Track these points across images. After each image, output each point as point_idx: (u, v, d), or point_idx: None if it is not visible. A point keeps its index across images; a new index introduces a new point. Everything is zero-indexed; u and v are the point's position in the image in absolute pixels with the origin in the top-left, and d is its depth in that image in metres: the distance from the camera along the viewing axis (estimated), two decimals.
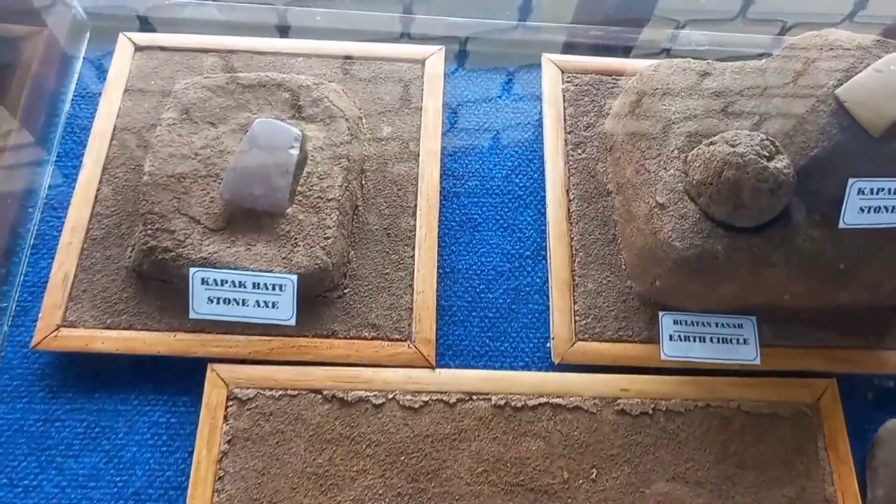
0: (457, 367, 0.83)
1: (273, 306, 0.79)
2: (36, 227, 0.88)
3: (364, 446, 0.76)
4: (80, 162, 0.88)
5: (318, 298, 0.83)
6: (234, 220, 0.82)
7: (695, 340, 0.82)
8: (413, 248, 0.86)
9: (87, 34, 1.02)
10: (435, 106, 0.95)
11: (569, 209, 0.90)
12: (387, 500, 0.74)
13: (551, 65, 0.99)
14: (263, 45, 0.98)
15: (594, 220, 0.90)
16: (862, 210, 0.74)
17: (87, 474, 0.76)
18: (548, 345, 0.84)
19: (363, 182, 0.90)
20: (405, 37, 1.08)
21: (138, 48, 0.96)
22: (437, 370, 0.81)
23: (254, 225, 0.81)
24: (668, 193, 0.78)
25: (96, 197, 0.86)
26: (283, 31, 1.07)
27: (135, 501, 0.76)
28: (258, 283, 0.78)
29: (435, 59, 0.98)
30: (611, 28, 1.08)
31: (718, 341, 0.81)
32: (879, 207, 0.74)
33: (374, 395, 0.78)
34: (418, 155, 0.92)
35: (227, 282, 0.78)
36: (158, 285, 0.82)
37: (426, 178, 0.90)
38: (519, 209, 0.93)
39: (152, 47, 0.97)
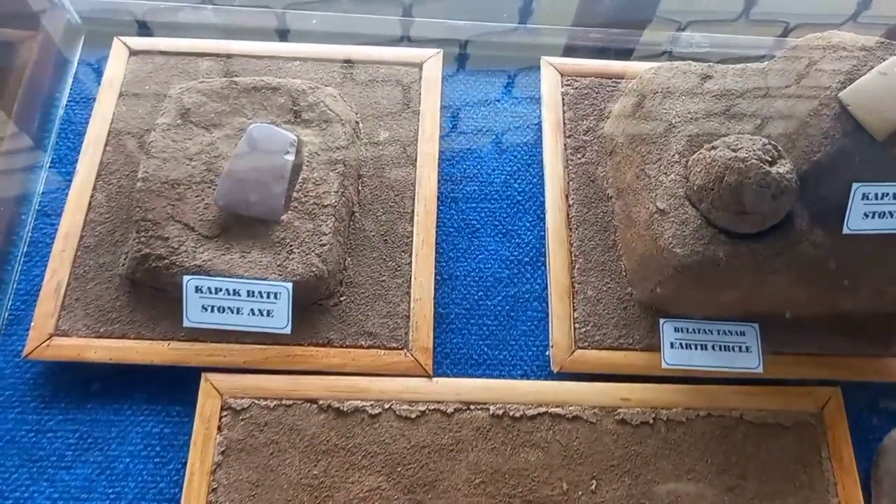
0: (454, 376, 0.82)
1: (268, 315, 0.78)
2: (29, 235, 0.87)
3: (360, 457, 0.75)
4: (74, 168, 0.88)
5: (314, 306, 0.82)
6: (228, 227, 0.81)
7: (696, 348, 0.80)
8: (410, 255, 0.85)
9: (82, 38, 1.01)
10: (433, 110, 0.94)
11: (568, 214, 0.89)
12: None
13: (550, 68, 0.98)
14: (259, 48, 0.97)
15: (594, 225, 0.88)
16: (866, 215, 0.73)
17: (80, 486, 0.75)
18: (547, 353, 0.83)
19: (360, 187, 0.89)
20: (404, 40, 1.07)
21: (133, 52, 0.95)
22: (435, 379, 0.80)
23: (249, 232, 0.80)
24: (668, 199, 0.77)
25: (90, 203, 0.86)
26: (280, 34, 1.06)
27: None
28: (253, 292, 0.77)
29: (433, 62, 0.97)
30: (611, 30, 1.07)
31: (720, 349, 0.80)
32: (884, 213, 0.73)
33: (371, 405, 0.77)
34: (416, 159, 0.91)
35: (221, 290, 0.77)
36: (152, 293, 0.81)
37: (423, 182, 0.89)
38: (518, 214, 0.92)
39: (147, 51, 0.96)
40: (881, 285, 0.77)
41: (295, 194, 0.82)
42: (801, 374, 0.81)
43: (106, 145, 0.89)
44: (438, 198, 0.89)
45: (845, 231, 0.73)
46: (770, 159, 0.71)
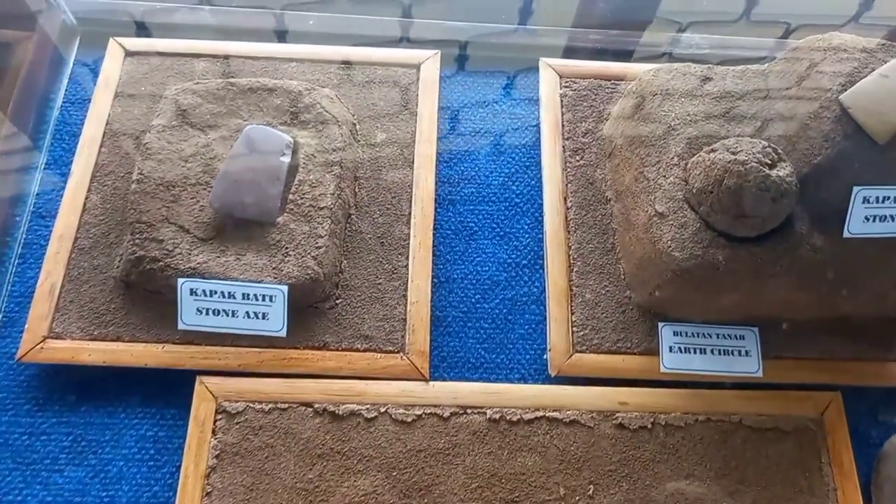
0: (451, 380, 0.81)
1: (263, 317, 0.77)
2: (23, 236, 0.86)
3: (355, 461, 0.75)
4: (70, 169, 0.87)
5: (310, 309, 0.81)
6: (223, 229, 0.80)
7: (695, 352, 0.80)
8: (407, 258, 0.85)
9: (78, 39, 1.00)
10: (430, 111, 0.93)
11: (566, 217, 0.88)
12: None
13: (549, 69, 0.97)
14: (256, 49, 0.96)
15: (592, 228, 0.88)
16: (867, 219, 0.72)
17: (73, 489, 0.75)
18: (544, 357, 0.83)
19: (356, 189, 0.88)
20: (403, 41, 1.06)
21: (129, 53, 0.95)
22: (431, 383, 0.79)
23: (244, 234, 0.80)
24: (667, 202, 0.77)
25: (84, 205, 0.85)
26: (277, 35, 1.05)
27: None
28: (248, 294, 0.77)
29: (430, 63, 0.96)
30: (611, 31, 1.06)
31: (719, 353, 0.80)
32: (885, 216, 0.72)
33: (366, 409, 0.77)
34: (413, 161, 0.90)
35: (216, 292, 0.77)
36: (147, 296, 0.80)
37: (421, 184, 0.88)
38: (515, 217, 0.91)
39: (143, 52, 0.95)
40: (882, 289, 0.77)
41: (291, 196, 0.81)
42: (801, 379, 0.81)
43: (101, 146, 0.88)
44: (436, 200, 0.89)
45: (846, 235, 0.72)
46: (770, 162, 0.71)
